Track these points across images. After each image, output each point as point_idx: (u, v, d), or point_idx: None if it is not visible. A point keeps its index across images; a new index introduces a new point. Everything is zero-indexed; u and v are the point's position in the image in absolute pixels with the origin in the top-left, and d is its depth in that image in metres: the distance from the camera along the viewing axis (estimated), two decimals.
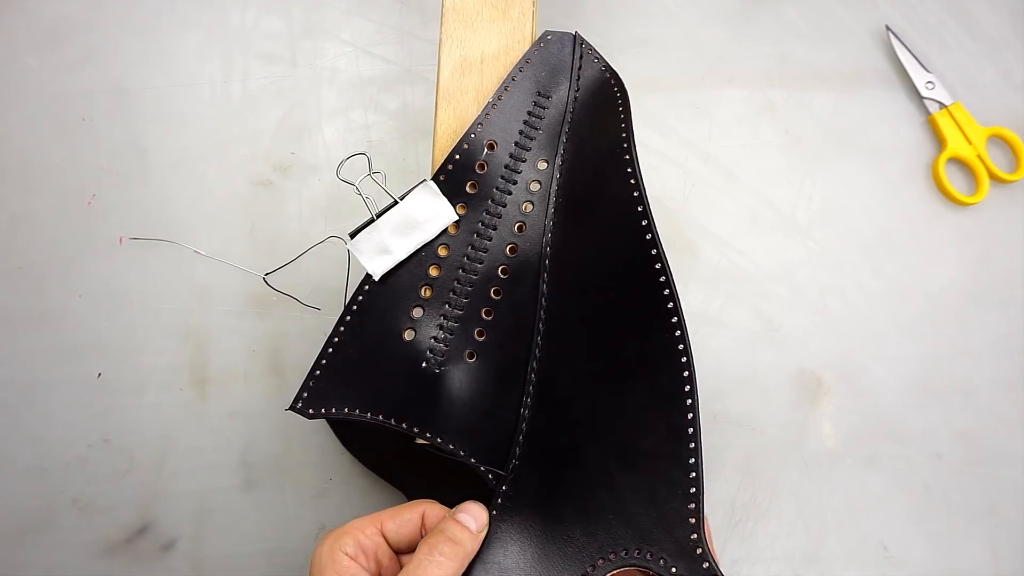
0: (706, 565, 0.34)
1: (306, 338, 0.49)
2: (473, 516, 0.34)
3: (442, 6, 0.41)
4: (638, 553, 0.35)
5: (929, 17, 0.55)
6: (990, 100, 0.54)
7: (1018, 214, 0.53)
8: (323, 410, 0.36)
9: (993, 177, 0.53)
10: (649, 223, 0.38)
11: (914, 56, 0.54)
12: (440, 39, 0.41)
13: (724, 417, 0.49)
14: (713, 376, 0.49)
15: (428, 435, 0.36)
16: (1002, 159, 0.54)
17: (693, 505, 0.34)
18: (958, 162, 0.54)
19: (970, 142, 0.53)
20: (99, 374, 0.48)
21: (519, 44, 0.41)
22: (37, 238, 0.50)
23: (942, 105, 0.53)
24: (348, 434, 0.44)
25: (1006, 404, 0.50)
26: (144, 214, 0.51)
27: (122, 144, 0.52)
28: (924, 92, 0.54)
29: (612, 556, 0.35)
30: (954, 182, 0.53)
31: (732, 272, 0.51)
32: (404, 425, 0.36)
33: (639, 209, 0.38)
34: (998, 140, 0.54)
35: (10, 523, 0.47)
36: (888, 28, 0.55)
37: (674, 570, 0.34)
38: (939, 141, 0.54)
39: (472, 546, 0.34)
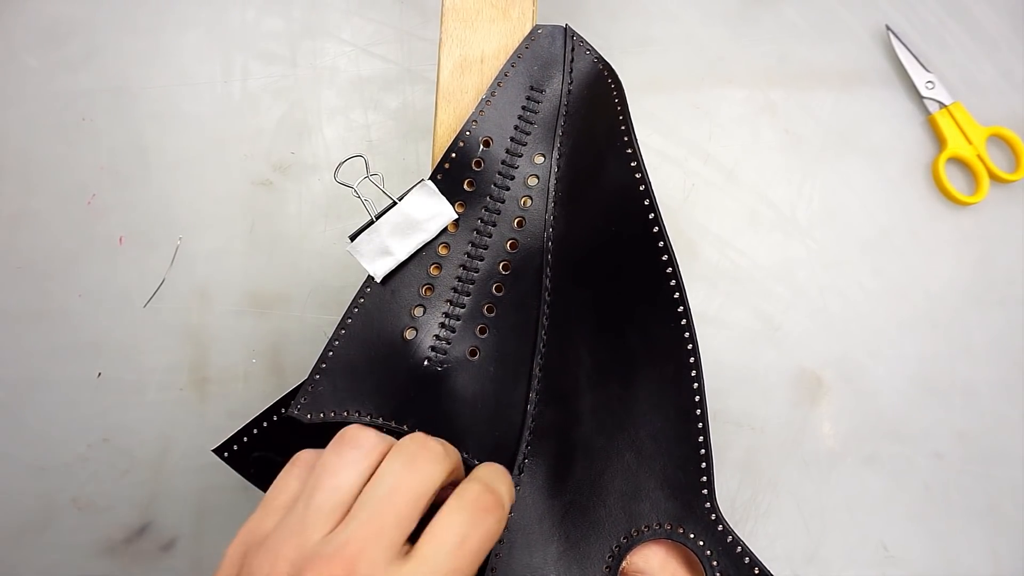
0: (730, 539, 0.36)
1: (306, 338, 0.49)
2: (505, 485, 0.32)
3: (442, 6, 0.41)
4: (658, 527, 0.36)
5: (929, 17, 0.55)
6: (990, 100, 0.54)
7: (1018, 214, 0.53)
8: (322, 415, 0.36)
9: (993, 177, 0.53)
10: (653, 209, 0.38)
11: (914, 56, 0.54)
12: (440, 38, 0.41)
13: (724, 416, 0.49)
14: (713, 375, 0.49)
15: None
16: (1002, 159, 0.54)
17: (705, 478, 0.36)
18: (958, 162, 0.54)
19: (970, 142, 0.53)
20: (99, 374, 0.48)
21: (519, 43, 0.41)
22: (37, 238, 0.51)
23: (942, 105, 0.53)
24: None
25: (1006, 404, 0.50)
26: (144, 214, 0.51)
27: (122, 144, 0.52)
28: (924, 92, 0.54)
29: (635, 533, 0.36)
30: (954, 182, 0.53)
31: (732, 272, 0.51)
32: (406, 427, 0.36)
33: (643, 198, 0.38)
34: (998, 140, 0.54)
35: (10, 523, 0.47)
36: (888, 28, 0.55)
37: (701, 543, 0.36)
38: (939, 141, 0.54)
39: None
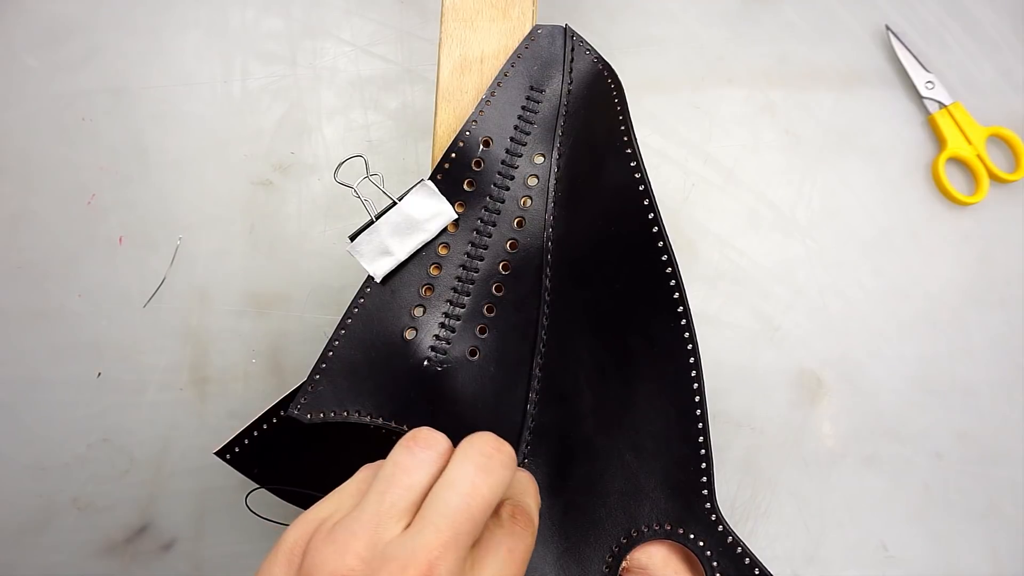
0: (730, 539, 0.36)
1: (306, 338, 0.49)
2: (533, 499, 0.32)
3: (442, 5, 0.41)
4: (658, 527, 0.36)
5: (929, 17, 0.56)
6: (990, 100, 0.54)
7: (1018, 214, 0.53)
8: (322, 415, 0.36)
9: (993, 177, 0.53)
10: (653, 209, 0.38)
11: (914, 56, 0.54)
12: (440, 38, 0.41)
13: (724, 417, 0.49)
14: (713, 376, 0.49)
15: None
16: (1002, 159, 0.54)
17: (705, 479, 0.36)
18: (958, 162, 0.54)
19: (970, 142, 0.53)
20: (99, 374, 0.48)
21: (519, 43, 0.41)
22: (37, 237, 0.51)
23: (942, 105, 0.53)
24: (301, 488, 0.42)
25: (1006, 404, 0.50)
26: (144, 214, 0.51)
27: (122, 144, 0.52)
28: (924, 92, 0.54)
29: (635, 533, 0.36)
30: (954, 182, 0.53)
31: (732, 272, 0.51)
32: (405, 427, 0.36)
33: (643, 198, 0.38)
34: (998, 140, 0.54)
35: (10, 523, 0.47)
36: (888, 28, 0.55)
37: (701, 544, 0.36)
38: (939, 141, 0.54)
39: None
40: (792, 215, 0.52)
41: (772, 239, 0.52)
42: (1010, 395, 0.50)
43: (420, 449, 0.28)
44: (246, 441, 0.40)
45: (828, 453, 0.49)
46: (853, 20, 0.56)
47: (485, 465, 0.28)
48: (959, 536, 0.48)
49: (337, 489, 0.29)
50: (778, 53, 0.55)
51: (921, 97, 0.54)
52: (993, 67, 0.55)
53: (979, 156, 0.53)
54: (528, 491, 0.31)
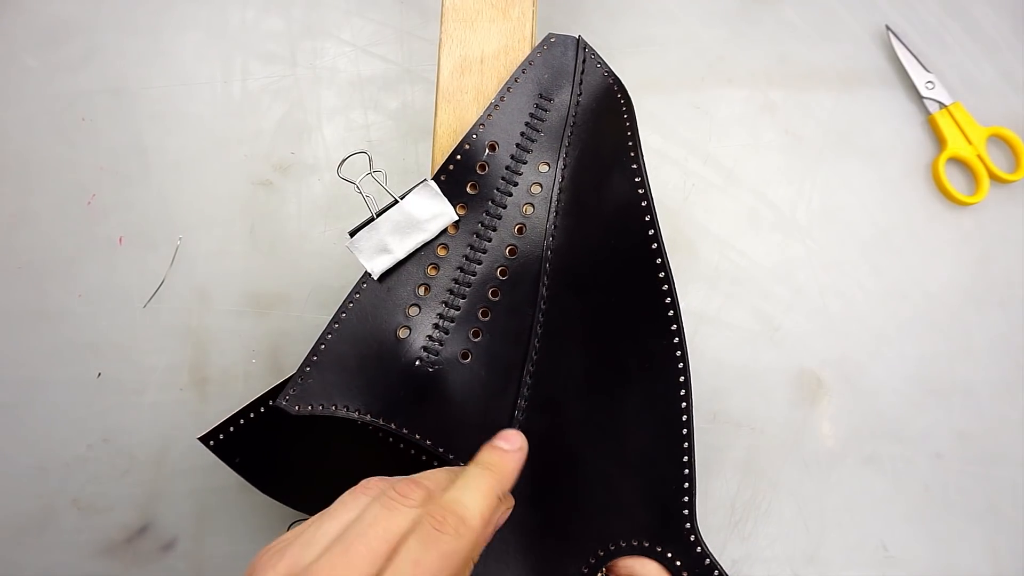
0: (707, 561, 0.36)
1: (306, 338, 0.49)
2: (507, 438, 0.34)
3: (442, 6, 0.41)
4: (636, 543, 0.36)
5: (929, 17, 0.55)
6: (990, 100, 0.54)
7: (1018, 214, 0.53)
8: (309, 407, 0.36)
9: (993, 177, 0.53)
10: (654, 227, 0.39)
11: (914, 56, 0.54)
12: (440, 39, 0.41)
13: (724, 417, 0.49)
14: (713, 376, 0.49)
15: (417, 436, 0.37)
16: (1002, 159, 0.54)
17: (687, 499, 0.37)
18: (958, 162, 0.54)
19: (970, 142, 0.53)
20: (99, 374, 0.48)
21: (519, 44, 0.41)
22: (37, 238, 0.51)
23: (942, 105, 0.53)
24: (288, 486, 0.43)
25: (1006, 404, 0.50)
26: (144, 214, 0.51)
27: (122, 144, 0.52)
28: (924, 92, 0.54)
29: (612, 547, 0.36)
30: (954, 182, 0.53)
31: (732, 272, 0.51)
32: (393, 425, 0.36)
33: (644, 214, 0.39)
34: (998, 140, 0.54)
35: (10, 523, 0.47)
36: (888, 28, 0.55)
37: (679, 564, 0.36)
38: (939, 141, 0.54)
39: (512, 464, 0.33)
40: (792, 215, 0.52)
41: (772, 239, 0.52)
42: (1010, 395, 0.50)
43: (349, 498, 0.30)
44: (231, 429, 0.40)
45: (828, 453, 0.49)
46: (853, 20, 0.56)
47: (389, 504, 0.29)
48: (959, 536, 0.48)
49: (319, 515, 0.30)
50: (778, 53, 0.55)
51: (921, 97, 0.54)
52: (993, 67, 0.55)
53: (979, 156, 0.53)
54: (469, 493, 0.31)
